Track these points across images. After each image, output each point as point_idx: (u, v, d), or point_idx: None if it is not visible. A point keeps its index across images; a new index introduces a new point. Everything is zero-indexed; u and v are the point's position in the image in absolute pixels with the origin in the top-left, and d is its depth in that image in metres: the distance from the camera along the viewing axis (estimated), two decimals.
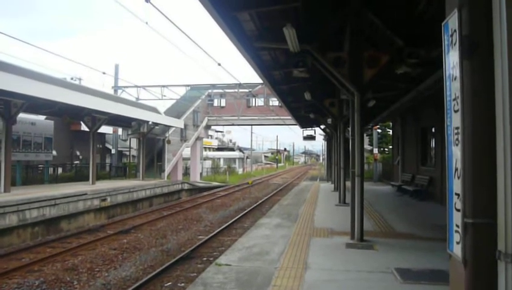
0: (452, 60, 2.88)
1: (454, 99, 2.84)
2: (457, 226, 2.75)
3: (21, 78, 14.11)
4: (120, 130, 32.42)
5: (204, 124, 38.89)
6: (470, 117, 2.65)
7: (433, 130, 16.16)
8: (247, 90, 34.30)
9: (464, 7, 2.70)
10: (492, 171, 2.52)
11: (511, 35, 2.43)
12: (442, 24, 3.02)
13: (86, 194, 16.25)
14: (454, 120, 2.84)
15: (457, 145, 2.78)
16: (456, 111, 2.81)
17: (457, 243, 2.74)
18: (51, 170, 23.08)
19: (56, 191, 15.91)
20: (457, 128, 2.78)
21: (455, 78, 2.81)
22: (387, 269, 6.21)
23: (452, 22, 2.84)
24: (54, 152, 22.95)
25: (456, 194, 2.79)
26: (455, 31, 2.77)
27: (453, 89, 2.88)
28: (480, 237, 2.58)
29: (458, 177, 2.75)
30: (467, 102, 2.68)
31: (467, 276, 2.62)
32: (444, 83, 3.03)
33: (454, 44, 2.80)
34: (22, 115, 17.43)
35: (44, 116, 23.02)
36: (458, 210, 2.73)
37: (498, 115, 2.51)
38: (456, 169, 2.79)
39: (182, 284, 7.99)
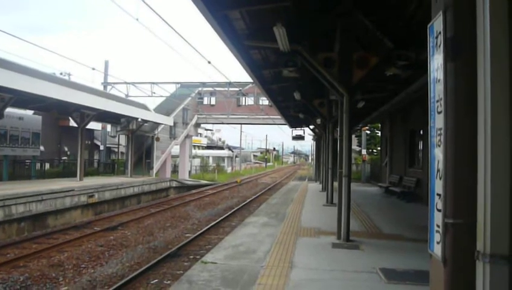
0: (437, 62, 2.91)
1: (437, 101, 2.88)
2: (438, 226, 2.79)
3: (9, 72, 13.94)
4: (109, 127, 32.20)
5: (193, 122, 38.81)
6: (453, 118, 2.69)
7: (421, 132, 16.28)
8: (237, 89, 34.27)
9: (449, 9, 2.74)
10: (473, 173, 2.55)
11: (494, 38, 2.46)
12: (428, 26, 3.06)
13: (73, 190, 16.11)
14: (438, 121, 2.88)
15: (439, 146, 2.82)
16: (439, 112, 2.85)
17: (438, 242, 2.78)
18: (38, 165, 22.85)
19: (43, 186, 15.75)
20: (440, 129, 2.81)
21: (439, 80, 2.85)
22: (373, 269, 6.26)
23: (437, 24, 2.88)
24: (42, 147, 22.73)
25: (437, 194, 2.82)
26: (440, 33, 2.81)
27: (436, 90, 2.91)
28: (460, 237, 2.62)
29: (440, 178, 2.78)
30: (450, 104, 2.72)
31: (446, 275, 2.66)
32: (428, 84, 3.07)
33: (439, 46, 2.84)
34: (9, 110, 17.24)
35: (32, 111, 22.80)
36: (439, 210, 2.77)
37: (480, 116, 2.54)
38: (438, 170, 2.82)
39: (168, 282, 7.96)
